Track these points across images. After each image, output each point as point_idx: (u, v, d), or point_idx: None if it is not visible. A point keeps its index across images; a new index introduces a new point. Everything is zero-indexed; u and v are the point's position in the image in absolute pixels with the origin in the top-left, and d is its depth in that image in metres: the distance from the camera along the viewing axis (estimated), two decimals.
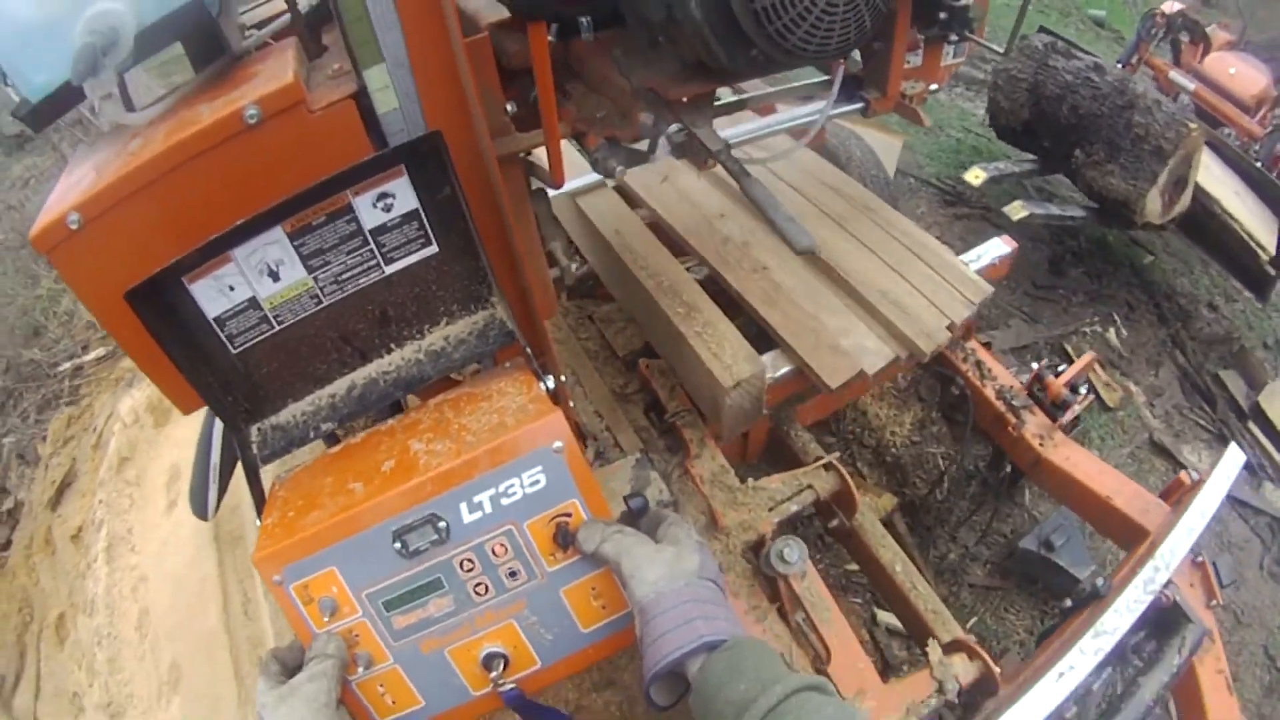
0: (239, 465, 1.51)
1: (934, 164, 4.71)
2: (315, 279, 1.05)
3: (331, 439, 1.21)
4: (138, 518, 2.72)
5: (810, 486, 1.74)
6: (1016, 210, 3.29)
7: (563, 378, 1.41)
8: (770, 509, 1.70)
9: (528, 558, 1.02)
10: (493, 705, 1.09)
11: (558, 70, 1.31)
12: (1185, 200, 3.14)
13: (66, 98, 1.08)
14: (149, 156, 1.03)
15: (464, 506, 0.99)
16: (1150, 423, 3.32)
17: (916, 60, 1.45)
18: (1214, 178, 3.35)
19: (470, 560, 1.01)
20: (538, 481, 1.00)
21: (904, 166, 4.46)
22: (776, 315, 1.81)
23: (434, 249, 1.08)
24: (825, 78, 1.68)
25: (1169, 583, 1.53)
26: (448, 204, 1.05)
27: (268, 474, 1.14)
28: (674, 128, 1.25)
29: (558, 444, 1.00)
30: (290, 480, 1.14)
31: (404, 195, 1.03)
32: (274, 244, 1.02)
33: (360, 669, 1.04)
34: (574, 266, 1.35)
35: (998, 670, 1.49)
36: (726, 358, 1.64)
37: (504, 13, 1.12)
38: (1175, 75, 4.76)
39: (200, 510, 1.68)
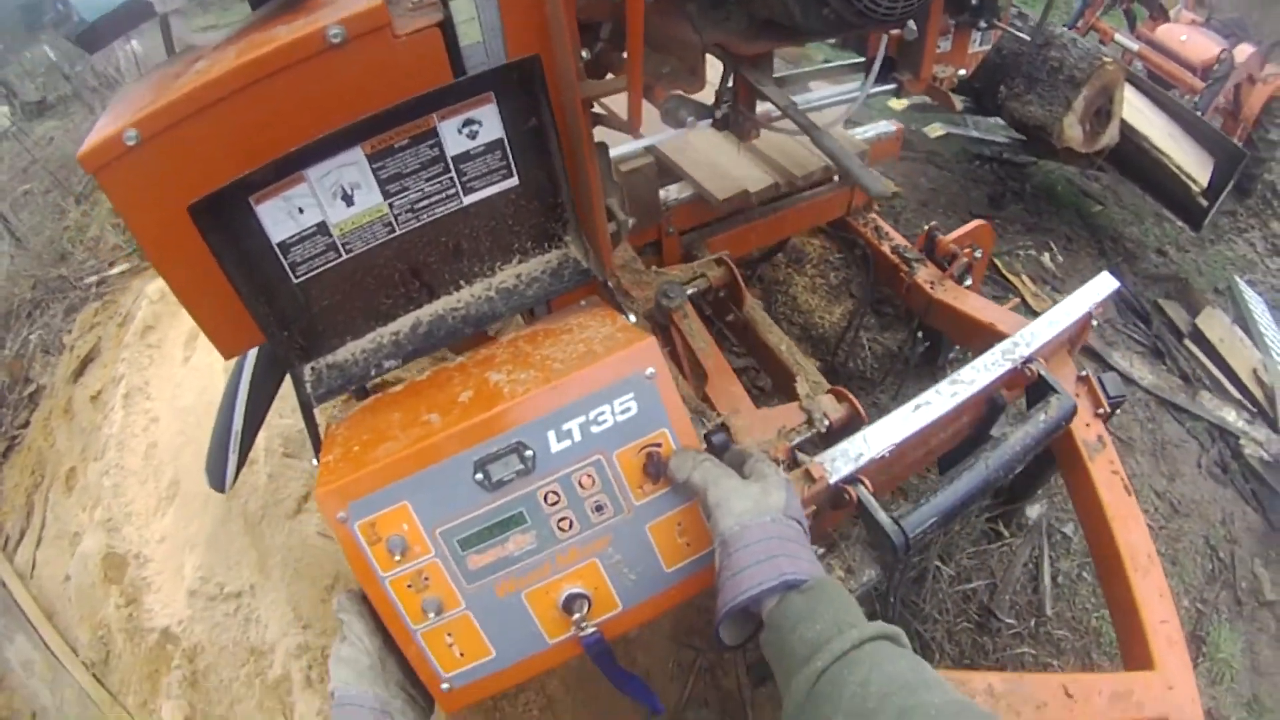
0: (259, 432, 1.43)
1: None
2: (391, 205, 1.02)
3: (361, 394, 1.15)
4: (155, 372, 2.88)
5: (704, 275, 1.95)
6: (935, 130, 3.43)
7: None
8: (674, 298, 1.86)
9: (615, 490, 0.98)
10: (568, 654, 1.02)
11: (624, 30, 1.34)
12: (1112, 133, 3.37)
13: (124, 19, 1.04)
14: (220, 73, 0.99)
15: (552, 435, 0.95)
16: None
17: (946, 46, 1.53)
18: (1145, 119, 3.64)
19: (555, 493, 0.96)
20: (629, 409, 0.97)
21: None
22: (684, 158, 2.19)
23: (515, 181, 1.06)
24: (862, 59, 1.77)
25: (1031, 359, 1.66)
26: (534, 136, 1.04)
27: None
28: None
29: (650, 370, 0.97)
30: (350, 419, 1.07)
31: (490, 123, 1.02)
32: (352, 165, 0.98)
33: (429, 616, 0.97)
34: (630, 221, 1.35)
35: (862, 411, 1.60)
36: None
37: None
38: (1120, 37, 5.07)
39: (218, 481, 1.55)
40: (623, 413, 0.97)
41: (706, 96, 1.32)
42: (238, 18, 1.12)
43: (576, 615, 0.98)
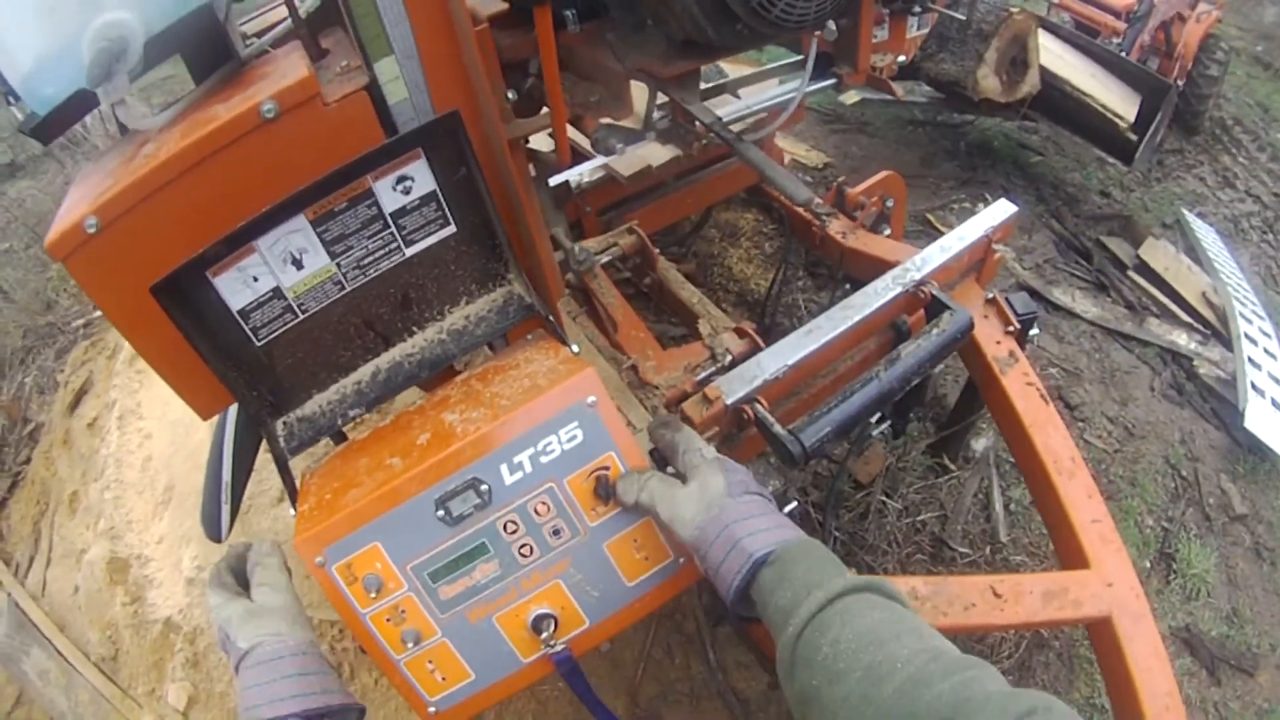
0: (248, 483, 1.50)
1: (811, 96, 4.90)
2: (339, 264, 1.08)
3: (339, 437, 1.22)
4: (145, 394, 3.06)
5: (616, 244, 2.09)
6: (850, 97, 3.47)
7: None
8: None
9: (570, 514, 1.04)
10: (542, 673, 1.09)
11: None
12: (1032, 80, 3.41)
13: (73, 110, 1.10)
14: (166, 156, 1.05)
15: (504, 468, 1.01)
16: (1019, 271, 3.46)
17: (883, 34, 1.55)
18: (1066, 64, 3.70)
19: (514, 521, 1.02)
20: (575, 437, 1.02)
21: None
22: None
23: (452, 229, 1.12)
24: (799, 58, 1.79)
25: (925, 282, 1.69)
26: (465, 184, 1.09)
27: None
28: (659, 115, 1.32)
29: (592, 398, 1.03)
30: (322, 468, 1.14)
31: (422, 177, 1.07)
32: (297, 232, 1.04)
33: (409, 646, 1.04)
34: (577, 249, 1.40)
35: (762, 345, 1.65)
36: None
37: (500, 6, 1.18)
38: None
39: (214, 532, 1.64)
40: (569, 441, 1.03)
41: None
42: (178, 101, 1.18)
43: (544, 635, 1.04)
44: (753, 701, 1.99)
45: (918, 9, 1.55)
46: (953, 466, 2.53)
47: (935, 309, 1.69)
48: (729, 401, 1.49)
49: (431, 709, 1.07)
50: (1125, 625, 1.43)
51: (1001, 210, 1.85)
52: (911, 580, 1.46)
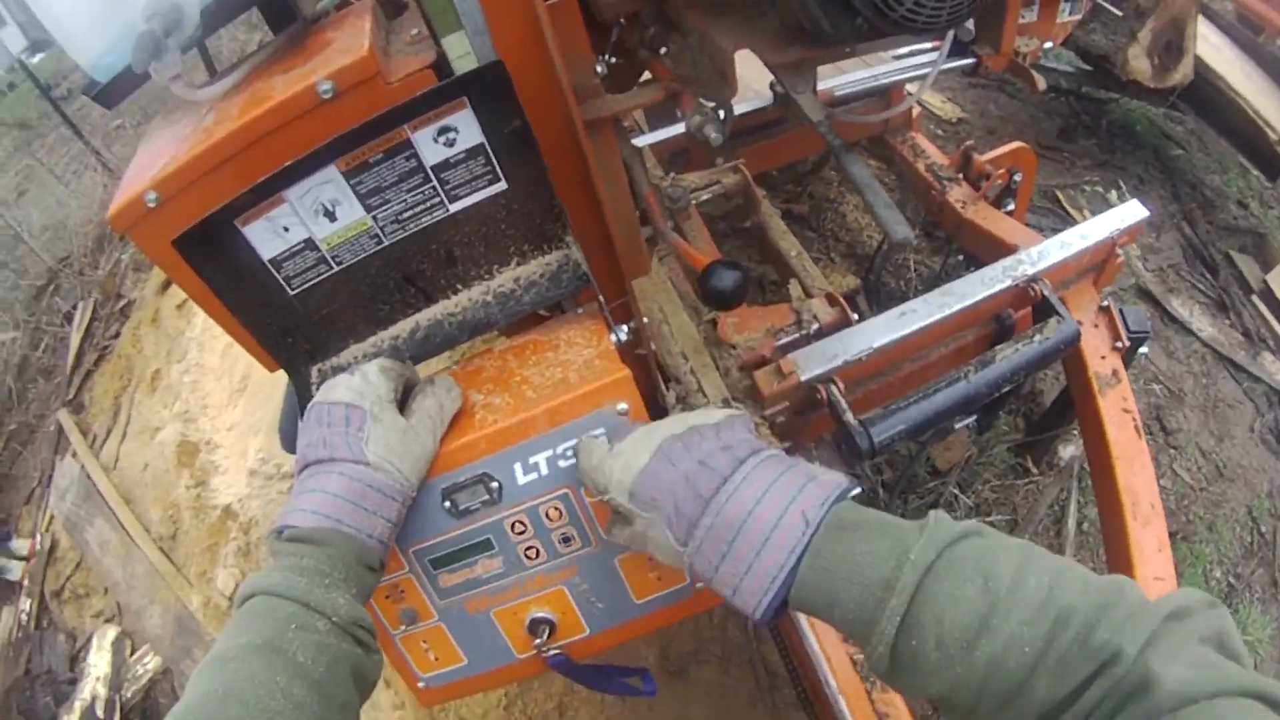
0: None
1: None
2: (374, 218, 1.00)
3: None
4: None
5: (719, 182, 1.99)
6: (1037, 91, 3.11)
7: (645, 319, 1.34)
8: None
9: (583, 524, 0.97)
10: (536, 669, 1.06)
11: (656, 20, 1.21)
12: (1185, 69, 3.05)
13: (135, 76, 1.05)
14: (223, 135, 0.99)
15: (518, 467, 0.94)
16: (1140, 272, 3.11)
17: (1031, 16, 1.27)
18: (1224, 58, 3.29)
19: (522, 523, 0.96)
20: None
21: None
22: None
23: (503, 185, 1.00)
24: None
25: (1037, 278, 1.53)
26: (516, 138, 0.96)
27: None
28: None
29: (622, 406, 0.92)
30: None
31: (468, 129, 0.95)
32: (328, 183, 0.96)
33: (404, 625, 1.03)
34: (670, 186, 1.26)
35: (855, 317, 1.53)
36: None
37: None
38: None
39: (290, 446, 1.71)
40: None
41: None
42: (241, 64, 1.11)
43: (538, 640, 1.00)
44: (779, 676, 1.93)
45: None
46: (1035, 470, 2.33)
47: (1043, 311, 1.51)
48: (804, 378, 1.38)
49: (421, 684, 1.07)
50: None
51: (1131, 212, 1.61)
52: None
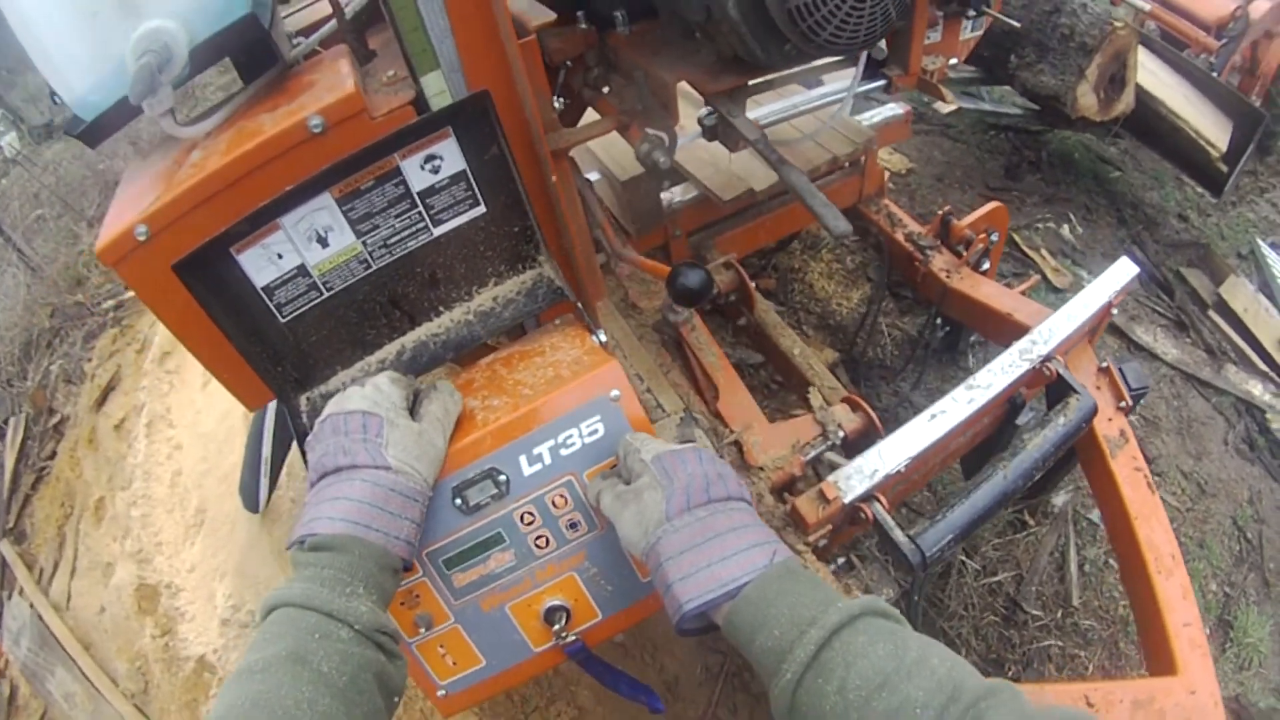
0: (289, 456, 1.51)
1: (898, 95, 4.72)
2: (364, 243, 1.06)
3: None
4: (175, 398, 2.98)
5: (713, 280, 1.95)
6: (944, 107, 3.31)
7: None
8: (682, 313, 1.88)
9: (587, 509, 1.03)
10: (553, 661, 1.09)
11: (599, 63, 1.34)
12: (1128, 99, 3.23)
13: (120, 114, 1.10)
14: (215, 168, 1.06)
15: (523, 459, 1.00)
16: None
17: (936, 36, 1.46)
18: (1161, 82, 3.48)
19: (531, 513, 1.01)
20: (596, 431, 1.01)
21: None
22: (687, 158, 2.11)
23: (482, 209, 1.09)
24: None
25: (1050, 357, 1.60)
26: (495, 164, 1.06)
27: None
28: (704, 111, 1.27)
29: (615, 392, 1.01)
30: None
31: (452, 156, 1.04)
32: (322, 210, 1.02)
33: (421, 630, 1.04)
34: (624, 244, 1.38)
35: (879, 423, 1.57)
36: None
37: (548, 15, 1.16)
38: None
39: (251, 503, 1.67)
40: (590, 434, 1.01)
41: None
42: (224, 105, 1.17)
43: (556, 626, 1.04)
44: None
45: (972, 12, 1.46)
46: (1031, 522, 2.44)
47: (1059, 389, 1.59)
48: (847, 500, 1.39)
49: (441, 692, 1.08)
50: None
51: (1123, 272, 1.74)
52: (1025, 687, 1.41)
